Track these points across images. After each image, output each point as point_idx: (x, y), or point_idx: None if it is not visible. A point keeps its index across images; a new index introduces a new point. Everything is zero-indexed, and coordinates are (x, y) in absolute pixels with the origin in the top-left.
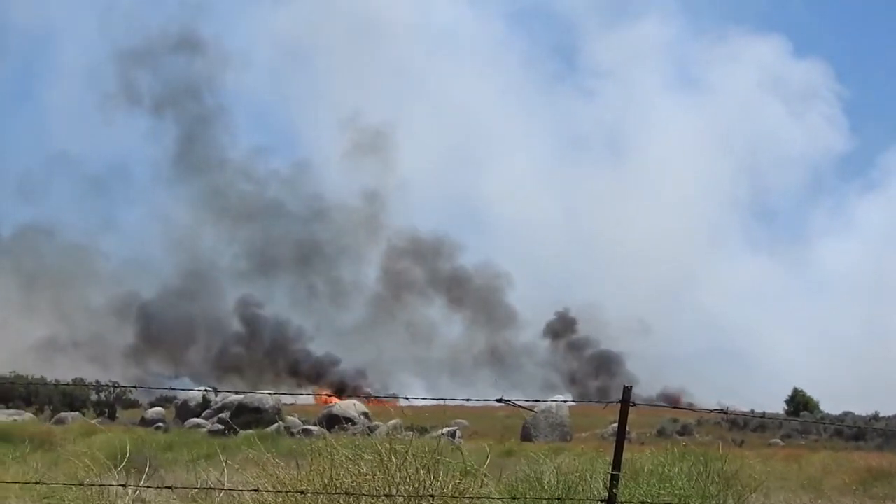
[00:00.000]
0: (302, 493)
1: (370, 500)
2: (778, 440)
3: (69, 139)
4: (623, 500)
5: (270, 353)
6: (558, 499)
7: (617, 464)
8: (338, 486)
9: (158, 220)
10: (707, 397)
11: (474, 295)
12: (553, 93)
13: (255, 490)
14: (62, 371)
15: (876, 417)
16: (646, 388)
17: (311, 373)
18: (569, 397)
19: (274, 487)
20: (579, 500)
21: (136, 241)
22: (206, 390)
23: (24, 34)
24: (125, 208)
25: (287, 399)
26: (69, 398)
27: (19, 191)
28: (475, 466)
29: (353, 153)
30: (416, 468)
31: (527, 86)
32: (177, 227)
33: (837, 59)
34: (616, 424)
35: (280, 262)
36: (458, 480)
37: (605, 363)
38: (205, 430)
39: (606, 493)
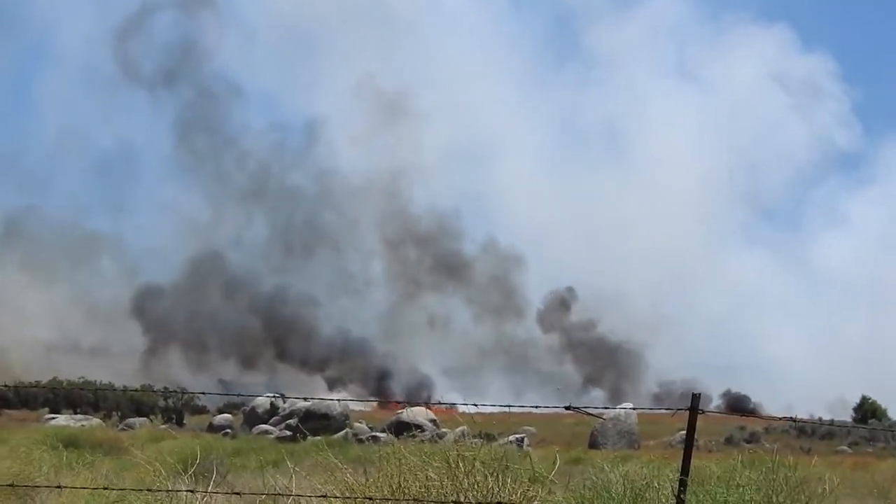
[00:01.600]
0: (370, 499)
1: None
2: (846, 448)
3: (70, 125)
4: None
5: (292, 345)
6: None
7: (685, 470)
8: (406, 492)
9: (166, 207)
10: (716, 392)
11: (485, 285)
12: (553, 83)
13: (324, 496)
14: (72, 374)
15: None
16: (654, 382)
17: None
18: (629, 404)
19: (342, 493)
20: None
21: (144, 230)
22: (274, 397)
23: (24, 20)
24: (131, 195)
25: (353, 405)
26: (136, 404)
27: (21, 180)
28: (543, 473)
29: (358, 137)
30: (485, 475)
31: (527, 74)
32: (184, 213)
33: (842, 52)
34: (684, 432)
35: (291, 250)
36: (525, 487)
37: (609, 355)
38: (273, 436)
39: (675, 500)
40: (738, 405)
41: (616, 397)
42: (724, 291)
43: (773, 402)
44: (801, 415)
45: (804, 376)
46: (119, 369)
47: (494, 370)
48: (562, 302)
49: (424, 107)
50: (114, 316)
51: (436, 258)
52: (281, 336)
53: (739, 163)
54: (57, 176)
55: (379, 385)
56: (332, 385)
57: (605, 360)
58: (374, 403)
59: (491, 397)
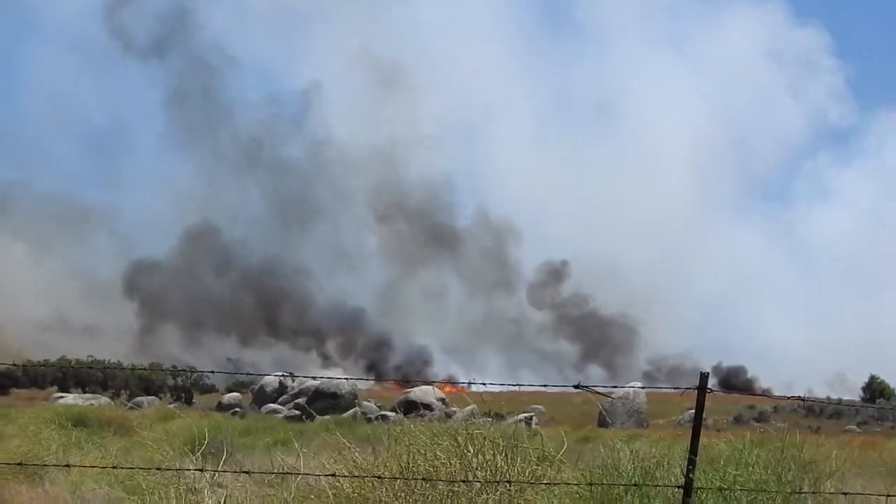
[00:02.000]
0: (379, 478)
1: (447, 485)
2: (854, 427)
3: (63, 98)
4: (700, 485)
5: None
6: (635, 485)
7: (694, 449)
8: (415, 471)
9: (161, 180)
10: (707, 368)
11: (479, 259)
12: (546, 55)
13: (332, 475)
14: (66, 352)
15: None
16: (644, 360)
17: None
18: (638, 383)
19: (350, 472)
20: (656, 486)
21: (138, 204)
22: (283, 376)
23: None
24: (125, 168)
25: (361, 384)
26: (145, 383)
27: (12, 154)
28: (552, 452)
29: (352, 109)
30: (494, 454)
31: (520, 47)
32: (179, 187)
33: (836, 27)
34: (692, 411)
35: (287, 223)
36: (534, 466)
37: (601, 330)
38: (281, 415)
39: (683, 479)
40: (734, 379)
41: (611, 376)
42: (715, 266)
43: (769, 379)
44: (799, 391)
45: (797, 352)
46: (115, 348)
47: (490, 347)
48: (554, 274)
49: (418, 79)
50: (108, 292)
51: (430, 231)
52: (276, 311)
53: (732, 138)
54: (49, 149)
55: (377, 356)
56: (328, 360)
57: (597, 337)
58: (373, 379)
59: (491, 374)
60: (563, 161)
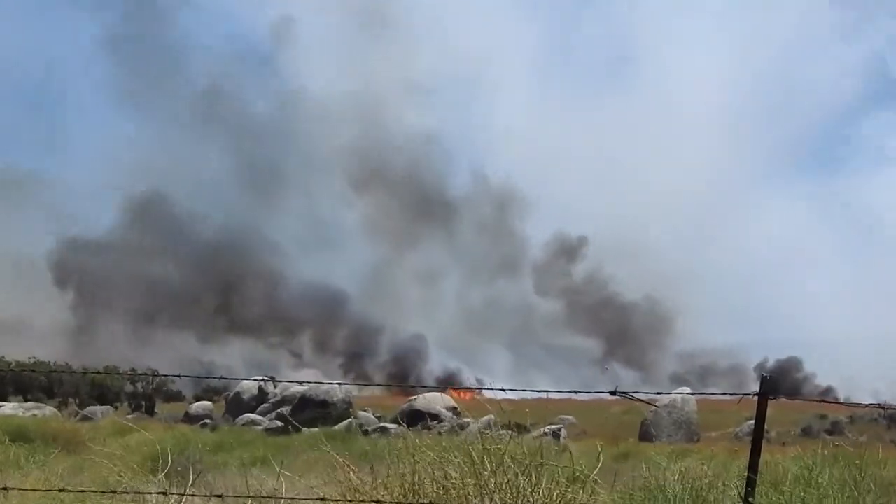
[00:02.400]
0: (378, 502)
1: None
2: None
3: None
4: None
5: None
6: None
7: (754, 467)
8: (420, 494)
9: (98, 139)
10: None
11: (478, 235)
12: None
13: (322, 499)
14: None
15: None
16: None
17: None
18: (686, 389)
19: (344, 496)
20: None
21: (71, 168)
22: (263, 380)
23: None
24: (57, 127)
25: (355, 389)
26: (99, 389)
27: None
28: (584, 471)
29: (325, 56)
30: (515, 473)
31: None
32: (120, 146)
33: None
34: (752, 422)
35: (255, 191)
36: (563, 488)
37: (621, 318)
38: (261, 427)
39: (741, 503)
40: (785, 378)
41: (641, 377)
42: (754, 243)
43: (825, 377)
44: (863, 393)
45: (852, 344)
46: (53, 346)
47: (494, 341)
48: (566, 252)
49: (406, 21)
50: (39, 279)
51: (419, 201)
52: (240, 298)
53: (771, 92)
54: None
55: (361, 350)
56: (300, 359)
57: (617, 328)
58: (354, 377)
59: (498, 373)
60: (573, 118)
